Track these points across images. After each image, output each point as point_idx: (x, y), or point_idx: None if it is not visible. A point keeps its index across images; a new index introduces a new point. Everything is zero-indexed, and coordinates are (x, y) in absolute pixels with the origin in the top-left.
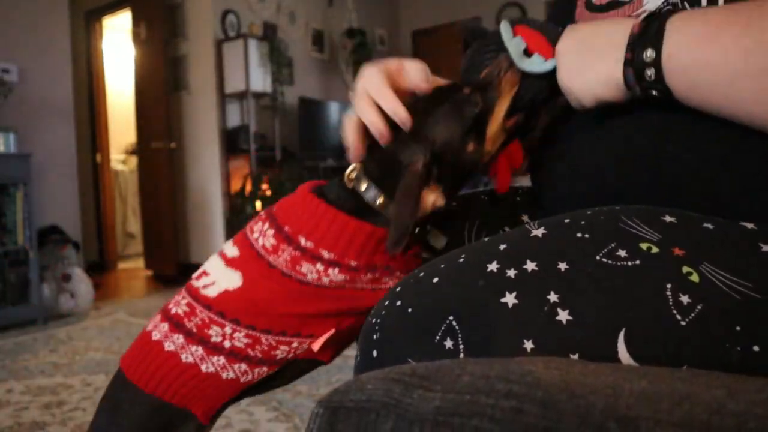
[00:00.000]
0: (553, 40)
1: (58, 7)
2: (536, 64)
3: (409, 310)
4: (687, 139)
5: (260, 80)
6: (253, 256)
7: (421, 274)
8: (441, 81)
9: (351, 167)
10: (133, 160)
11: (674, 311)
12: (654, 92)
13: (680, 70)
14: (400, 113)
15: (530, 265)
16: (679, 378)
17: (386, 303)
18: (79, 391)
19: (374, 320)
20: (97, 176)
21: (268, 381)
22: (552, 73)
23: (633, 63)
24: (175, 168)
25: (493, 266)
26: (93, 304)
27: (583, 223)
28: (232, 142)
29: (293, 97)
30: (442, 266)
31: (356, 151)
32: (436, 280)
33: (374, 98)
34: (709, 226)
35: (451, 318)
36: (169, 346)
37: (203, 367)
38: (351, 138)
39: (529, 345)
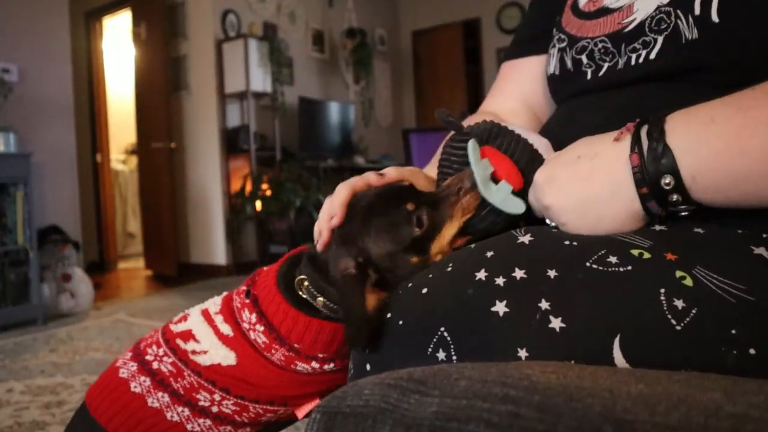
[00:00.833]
0: (524, 162)
1: (58, 7)
2: (501, 196)
3: (400, 322)
4: None
5: (260, 80)
6: (248, 343)
7: (410, 285)
8: (396, 176)
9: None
10: (133, 160)
11: (669, 316)
12: (684, 212)
13: (713, 189)
14: (335, 212)
15: (519, 273)
16: (675, 381)
17: None
18: (79, 390)
19: None
20: (98, 176)
21: None
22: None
23: (653, 195)
24: (175, 168)
25: (481, 274)
26: (93, 304)
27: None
28: (232, 142)
29: (293, 97)
30: (430, 276)
31: (322, 244)
32: (425, 290)
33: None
34: (700, 230)
35: (442, 329)
36: (153, 403)
37: (189, 426)
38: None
39: (523, 353)
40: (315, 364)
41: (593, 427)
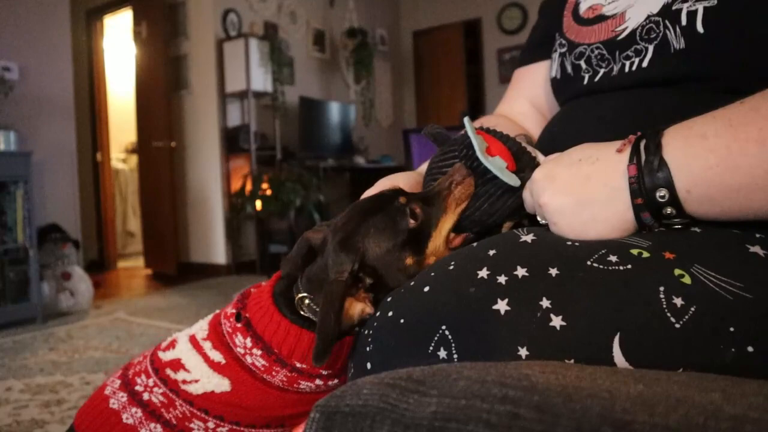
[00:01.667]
0: (514, 150)
1: (59, 6)
2: (499, 164)
3: (402, 320)
4: None
5: (261, 80)
6: (242, 368)
7: (412, 284)
8: (388, 184)
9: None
10: (134, 159)
11: (668, 314)
12: (678, 225)
13: (707, 202)
14: None
15: (521, 271)
16: (675, 381)
17: (378, 314)
18: (78, 389)
19: (367, 332)
20: (98, 175)
21: None
22: (515, 189)
23: (647, 207)
24: (175, 167)
25: (483, 273)
26: (92, 303)
27: None
28: (232, 142)
29: (294, 96)
30: (432, 274)
31: None
32: (427, 288)
33: None
34: (697, 230)
35: (443, 327)
36: None
37: None
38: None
39: (523, 352)
40: (319, 382)
41: (592, 428)
